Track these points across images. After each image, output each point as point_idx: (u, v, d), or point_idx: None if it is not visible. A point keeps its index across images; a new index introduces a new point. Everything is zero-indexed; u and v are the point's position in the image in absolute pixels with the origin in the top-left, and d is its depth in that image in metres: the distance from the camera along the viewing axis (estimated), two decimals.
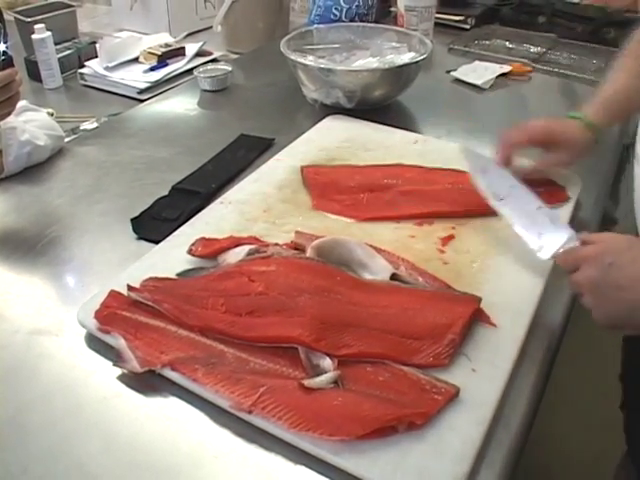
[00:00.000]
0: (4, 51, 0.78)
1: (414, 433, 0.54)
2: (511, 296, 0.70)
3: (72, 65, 1.46)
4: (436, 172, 0.92)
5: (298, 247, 0.75)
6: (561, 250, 0.68)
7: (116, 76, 1.39)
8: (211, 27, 1.68)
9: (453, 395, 0.57)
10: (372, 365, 0.60)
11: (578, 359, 1.48)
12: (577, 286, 0.64)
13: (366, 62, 1.19)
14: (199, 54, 1.51)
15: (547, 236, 0.71)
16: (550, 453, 1.36)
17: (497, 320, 0.67)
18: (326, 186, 0.89)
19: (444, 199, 0.86)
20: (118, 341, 0.62)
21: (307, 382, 0.56)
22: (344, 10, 1.47)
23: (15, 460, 0.54)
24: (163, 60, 1.45)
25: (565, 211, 0.85)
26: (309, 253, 0.72)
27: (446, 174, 0.91)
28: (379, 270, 0.71)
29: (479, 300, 0.67)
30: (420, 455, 0.53)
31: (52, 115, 1.16)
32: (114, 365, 0.61)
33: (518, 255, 0.76)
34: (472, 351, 0.63)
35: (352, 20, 1.47)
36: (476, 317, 0.66)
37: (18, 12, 1.49)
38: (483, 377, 0.60)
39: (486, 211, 0.82)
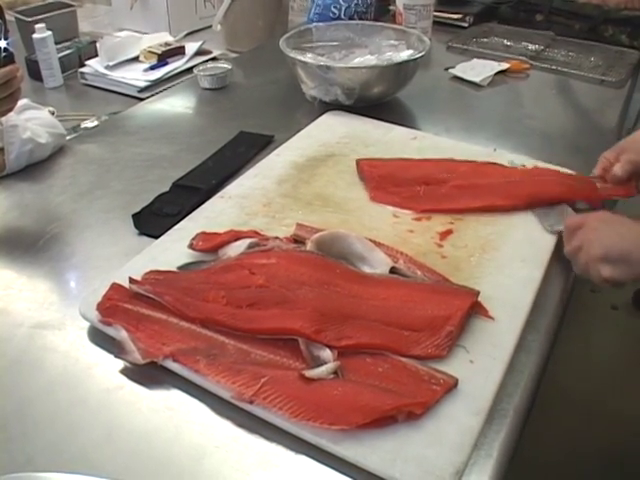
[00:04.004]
0: (5, 48, 0.78)
1: (413, 423, 0.55)
2: (508, 289, 0.71)
3: (72, 64, 1.46)
4: (488, 167, 0.93)
5: (298, 240, 0.76)
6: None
7: (116, 75, 1.40)
8: (211, 26, 1.69)
9: (452, 386, 0.58)
10: (371, 356, 0.61)
11: (577, 352, 1.49)
12: (575, 225, 0.73)
13: (365, 60, 1.19)
14: (199, 53, 1.52)
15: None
16: (548, 446, 1.37)
17: (495, 313, 0.67)
18: (382, 179, 0.90)
19: (498, 192, 0.87)
20: (120, 333, 0.63)
21: (307, 373, 0.57)
22: (343, 8, 1.47)
23: (20, 450, 0.55)
24: (163, 59, 1.46)
25: None
26: (309, 246, 0.72)
27: (498, 168, 0.92)
28: (378, 264, 0.72)
29: (477, 293, 0.68)
30: (419, 444, 0.54)
31: (53, 114, 1.16)
32: (116, 357, 0.62)
33: (515, 249, 0.77)
34: (470, 343, 0.64)
35: (351, 18, 1.48)
36: (474, 310, 0.67)
37: (18, 12, 1.50)
38: (481, 369, 0.61)
39: (542, 202, 0.84)
